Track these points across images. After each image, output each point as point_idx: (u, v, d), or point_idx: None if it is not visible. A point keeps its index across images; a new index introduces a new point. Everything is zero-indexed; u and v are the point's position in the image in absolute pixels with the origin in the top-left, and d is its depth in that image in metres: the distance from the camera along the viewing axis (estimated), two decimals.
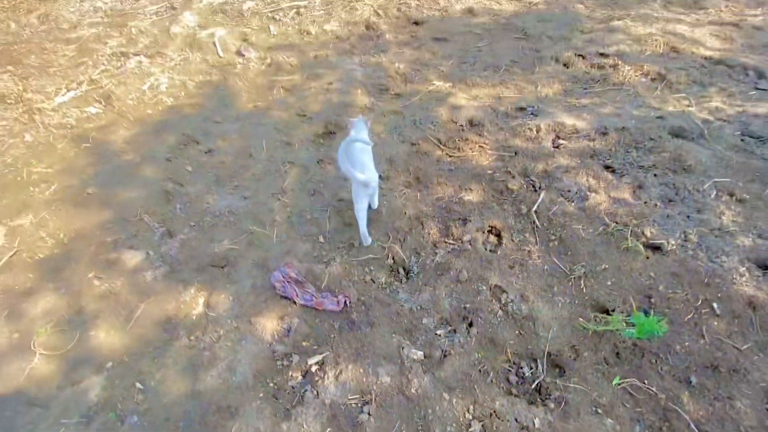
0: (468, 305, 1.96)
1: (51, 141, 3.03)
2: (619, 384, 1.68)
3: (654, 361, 1.73)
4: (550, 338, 1.83)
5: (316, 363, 1.79)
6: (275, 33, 4.31)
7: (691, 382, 1.67)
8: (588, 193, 2.40)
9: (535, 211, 2.33)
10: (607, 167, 2.58)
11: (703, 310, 1.85)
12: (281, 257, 2.21)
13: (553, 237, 2.21)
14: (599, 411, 1.62)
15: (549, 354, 1.79)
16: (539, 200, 2.37)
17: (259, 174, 2.74)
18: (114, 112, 3.31)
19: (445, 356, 1.79)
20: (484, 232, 2.29)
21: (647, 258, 2.05)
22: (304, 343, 1.87)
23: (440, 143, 2.88)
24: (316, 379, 1.74)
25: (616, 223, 2.21)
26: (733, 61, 3.45)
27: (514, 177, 2.55)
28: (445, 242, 2.25)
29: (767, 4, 4.39)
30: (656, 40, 3.72)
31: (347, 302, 1.98)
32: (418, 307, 1.98)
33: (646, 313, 1.84)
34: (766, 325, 1.79)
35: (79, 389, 1.76)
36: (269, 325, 1.93)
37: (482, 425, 1.58)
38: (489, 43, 4.04)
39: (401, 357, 1.79)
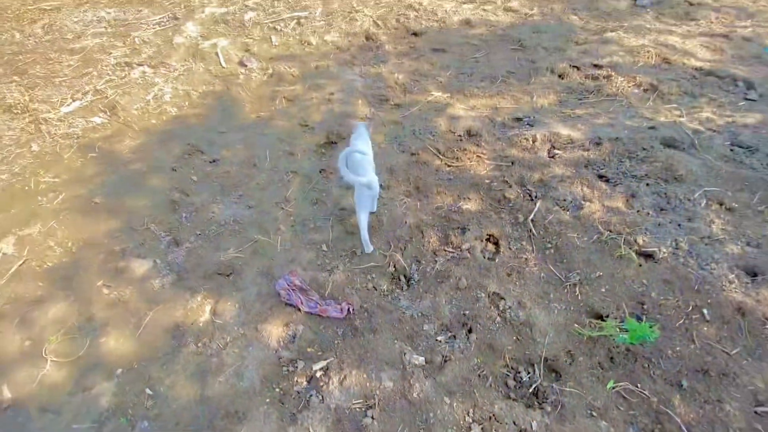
0: (467, 312, 2.03)
1: (57, 151, 3.09)
2: (613, 388, 1.74)
3: (646, 365, 1.80)
4: (546, 344, 1.90)
5: (321, 368, 1.85)
6: (276, 43, 4.39)
7: (682, 386, 1.74)
8: (583, 202, 2.48)
9: (532, 220, 2.40)
10: (601, 177, 2.66)
11: (694, 316, 1.92)
12: (286, 265, 2.27)
13: (549, 245, 2.28)
14: (594, 414, 1.68)
15: (546, 359, 1.86)
16: (535, 209, 2.44)
17: (263, 183, 2.80)
18: (119, 122, 3.37)
19: (445, 361, 1.86)
20: (482, 241, 2.36)
21: (640, 265, 2.13)
22: (309, 350, 1.93)
23: (439, 153, 2.96)
24: (321, 384, 1.80)
25: (610, 231, 2.29)
26: (723, 72, 3.55)
27: (511, 186, 2.63)
28: (445, 250, 2.32)
29: (756, 16, 4.50)
30: (648, 51, 3.83)
31: (350, 309, 2.04)
32: (419, 314, 2.04)
33: (639, 319, 1.92)
34: (754, 331, 1.86)
35: (91, 395, 1.82)
36: (275, 331, 1.99)
37: (482, 428, 1.64)
38: (486, 54, 4.14)
39: (403, 362, 1.85)
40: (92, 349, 1.96)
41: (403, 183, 2.73)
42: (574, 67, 3.75)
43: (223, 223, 2.54)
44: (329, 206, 2.62)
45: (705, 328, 1.88)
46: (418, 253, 2.31)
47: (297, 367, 1.86)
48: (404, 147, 3.01)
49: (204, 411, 1.75)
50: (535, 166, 2.75)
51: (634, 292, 2.04)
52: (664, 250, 2.16)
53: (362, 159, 2.23)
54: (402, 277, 2.23)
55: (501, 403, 1.72)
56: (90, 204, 2.67)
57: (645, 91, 3.43)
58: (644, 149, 2.78)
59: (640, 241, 2.22)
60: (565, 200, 2.50)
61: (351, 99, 3.50)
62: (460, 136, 3.10)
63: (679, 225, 2.31)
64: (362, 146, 2.30)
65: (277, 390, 1.80)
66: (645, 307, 1.98)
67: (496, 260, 2.25)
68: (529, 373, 1.83)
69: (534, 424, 1.65)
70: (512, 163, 2.81)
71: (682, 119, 3.05)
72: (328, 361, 1.87)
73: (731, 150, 2.77)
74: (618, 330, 1.84)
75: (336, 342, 1.95)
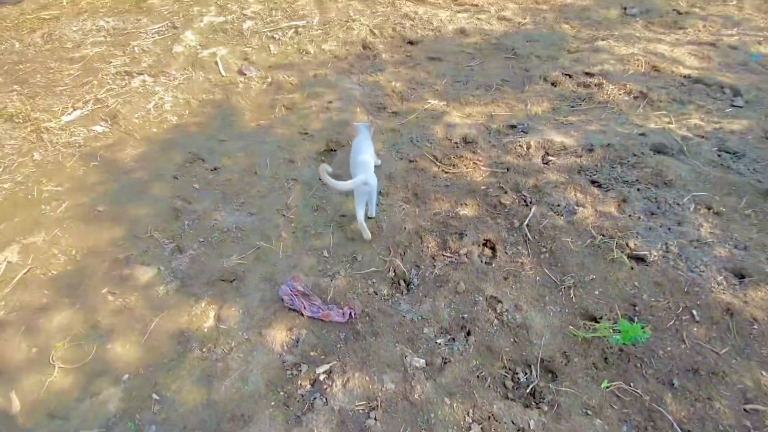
0: (466, 315, 2.08)
1: (60, 160, 3.12)
2: (607, 387, 1.80)
3: (639, 365, 1.86)
4: (542, 345, 1.96)
5: (324, 372, 1.90)
6: (275, 52, 4.46)
7: (673, 385, 1.80)
8: (576, 207, 2.55)
9: (527, 225, 2.47)
10: (593, 182, 2.74)
11: (684, 317, 1.99)
12: (288, 271, 2.32)
13: (544, 249, 2.35)
14: (589, 412, 1.74)
15: (542, 360, 1.92)
16: (530, 214, 2.51)
17: (264, 191, 2.85)
18: (120, 130, 3.42)
19: (445, 363, 1.91)
20: (479, 246, 2.42)
21: (631, 268, 2.20)
22: (312, 353, 1.98)
23: (436, 160, 3.03)
24: (325, 387, 1.84)
25: (603, 235, 2.36)
26: (711, 79, 3.65)
27: (506, 192, 2.70)
28: (443, 255, 2.38)
29: (742, 24, 4.64)
30: (638, 59, 3.93)
31: (352, 314, 2.09)
32: (419, 318, 2.10)
33: (631, 321, 1.98)
34: (742, 331, 1.92)
35: (98, 401, 1.85)
36: (278, 336, 2.04)
37: (481, 428, 1.70)
38: (480, 62, 4.23)
39: (404, 365, 1.90)
40: (99, 356, 2.00)
41: (401, 189, 2.80)
42: (566, 75, 3.84)
43: (226, 230, 2.58)
44: (330, 213, 2.68)
45: (695, 329, 1.95)
46: (418, 258, 2.37)
47: (301, 370, 1.91)
48: (402, 154, 3.08)
49: (210, 415, 1.79)
50: (529, 173, 2.82)
51: (627, 294, 2.11)
52: (655, 254, 2.24)
53: (363, 161, 2.42)
54: (402, 282, 2.29)
55: (499, 403, 1.77)
56: (93, 212, 2.71)
57: (635, 98, 3.53)
58: (635, 155, 2.86)
59: (632, 245, 2.29)
60: (559, 205, 2.57)
61: (349, 107, 3.57)
62: (456, 143, 3.17)
63: (669, 229, 2.38)
64: (364, 147, 2.51)
65: (282, 393, 1.84)
66: (637, 308, 2.05)
67: (493, 264, 2.32)
68: (526, 373, 1.89)
69: (531, 423, 1.71)
70: (507, 169, 2.88)
71: (671, 126, 3.15)
72: (331, 364, 1.92)
73: (719, 155, 2.86)
74: (611, 331, 1.91)
75: (338, 346, 2.00)
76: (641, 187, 2.67)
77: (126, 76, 3.99)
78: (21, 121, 3.42)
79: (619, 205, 2.57)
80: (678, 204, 2.53)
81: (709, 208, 2.50)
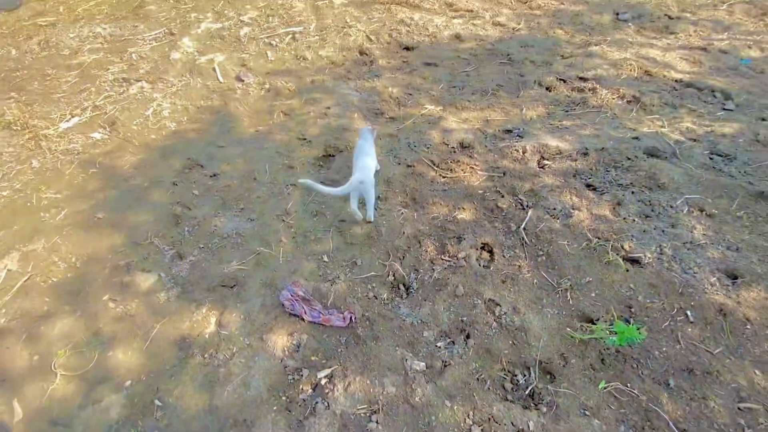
0: (465, 318, 2.11)
1: (58, 167, 3.13)
2: (604, 388, 1.83)
3: (635, 365, 1.90)
4: (540, 347, 1.99)
5: (326, 376, 1.92)
6: (272, 58, 4.49)
7: (669, 385, 1.83)
8: (572, 210, 2.59)
9: (524, 229, 2.51)
10: (588, 186, 2.78)
11: (679, 318, 2.03)
12: (288, 276, 2.34)
13: (541, 252, 2.39)
14: (587, 413, 1.77)
15: (540, 362, 1.95)
16: (527, 218, 2.55)
17: (264, 196, 2.88)
18: (119, 137, 3.43)
19: (445, 366, 1.94)
20: (477, 249, 2.46)
21: (627, 271, 2.24)
22: (313, 358, 1.99)
23: (434, 165, 3.06)
24: (326, 391, 1.86)
25: (598, 238, 2.40)
26: (702, 83, 3.72)
27: (503, 196, 2.74)
28: (442, 259, 2.41)
29: (732, 28, 4.73)
30: (631, 64, 4.00)
31: (353, 318, 2.11)
32: (419, 321, 2.12)
33: (627, 322, 2.02)
34: (735, 331, 1.96)
35: (100, 408, 1.86)
36: (280, 341, 2.05)
37: (481, 429, 1.72)
38: (476, 68, 4.28)
39: (405, 368, 1.93)
40: (100, 363, 2.01)
41: (400, 194, 2.83)
42: (560, 80, 3.90)
43: (226, 236, 2.60)
44: (329, 218, 2.70)
45: (689, 329, 1.99)
46: (417, 262, 2.40)
47: (302, 375, 1.92)
48: (400, 159, 3.11)
49: (213, 420, 1.80)
50: (525, 177, 2.86)
51: (622, 296, 2.14)
52: (650, 256, 2.28)
53: (364, 164, 2.54)
54: (401, 286, 2.31)
55: (499, 405, 1.80)
56: (93, 219, 2.72)
57: (628, 102, 3.59)
58: (629, 159, 2.91)
59: (627, 247, 2.33)
60: (555, 209, 2.61)
61: (347, 113, 3.60)
62: (453, 148, 3.21)
63: (663, 231, 2.43)
64: (366, 150, 2.65)
65: (284, 398, 1.86)
66: (632, 310, 2.08)
67: (491, 268, 2.35)
68: (524, 375, 1.92)
69: (531, 424, 1.73)
70: (504, 173, 2.92)
71: (663, 129, 3.20)
72: (332, 368, 1.94)
73: (711, 158, 2.92)
74: (608, 333, 1.94)
75: (339, 350, 2.02)
76: (635, 190, 2.71)
77: (124, 83, 4.00)
78: (19, 128, 3.43)
79: (613, 208, 2.61)
80: (671, 206, 2.57)
81: (701, 211, 2.54)
